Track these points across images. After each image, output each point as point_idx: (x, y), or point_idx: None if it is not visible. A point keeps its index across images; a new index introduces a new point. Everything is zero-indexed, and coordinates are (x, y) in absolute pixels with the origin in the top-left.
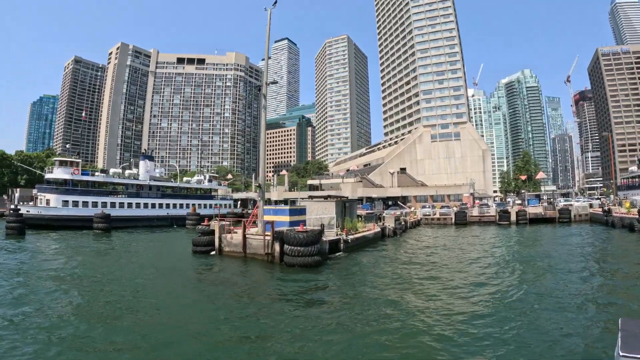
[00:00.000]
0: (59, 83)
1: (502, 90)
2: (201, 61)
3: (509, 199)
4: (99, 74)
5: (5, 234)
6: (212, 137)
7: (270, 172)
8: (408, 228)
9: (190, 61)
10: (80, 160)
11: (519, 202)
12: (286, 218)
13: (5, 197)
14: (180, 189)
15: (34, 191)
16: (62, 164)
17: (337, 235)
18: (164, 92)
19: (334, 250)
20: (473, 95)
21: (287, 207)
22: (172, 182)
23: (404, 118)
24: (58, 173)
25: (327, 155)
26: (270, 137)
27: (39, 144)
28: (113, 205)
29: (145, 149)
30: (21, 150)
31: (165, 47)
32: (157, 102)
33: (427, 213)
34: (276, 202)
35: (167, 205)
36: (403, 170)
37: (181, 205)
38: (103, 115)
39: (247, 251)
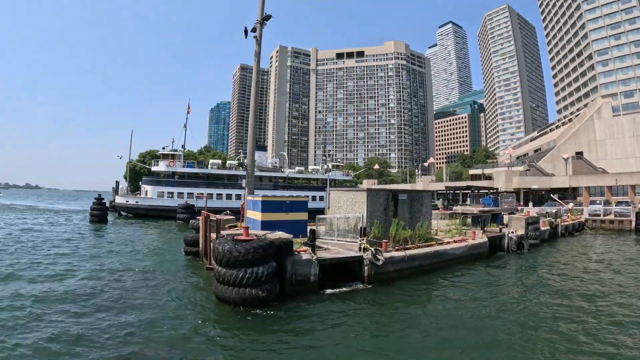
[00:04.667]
0: (230, 90)
1: None
2: (360, 54)
3: None
4: (264, 77)
5: (89, 220)
6: (378, 129)
7: (442, 162)
8: (559, 235)
9: (350, 55)
10: (182, 153)
11: None
12: (257, 216)
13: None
14: (289, 180)
15: (141, 183)
16: (165, 157)
17: (360, 249)
18: (326, 87)
19: (355, 276)
20: None
21: (260, 199)
22: (281, 172)
23: (577, 89)
24: (160, 166)
25: (497, 141)
26: (441, 126)
27: (218, 145)
28: (210, 196)
29: (258, 141)
30: (174, 149)
31: (324, 44)
32: (321, 98)
33: (596, 212)
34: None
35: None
36: (579, 154)
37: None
38: (270, 115)
39: (211, 262)
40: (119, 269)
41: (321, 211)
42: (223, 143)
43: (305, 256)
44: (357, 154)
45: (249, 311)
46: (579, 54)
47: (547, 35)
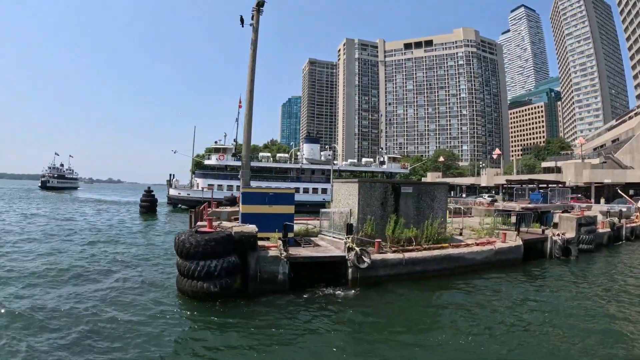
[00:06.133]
0: (300, 85)
1: None
2: (429, 43)
3: None
4: (333, 70)
5: (139, 211)
6: (449, 120)
7: (518, 154)
8: (623, 238)
9: (418, 45)
10: (231, 147)
11: None
12: (240, 208)
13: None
14: (341, 172)
15: (193, 176)
16: (216, 151)
17: (345, 249)
18: (395, 79)
19: (341, 278)
20: None
21: (241, 190)
22: (334, 165)
23: None
24: (212, 160)
25: (575, 131)
26: (516, 117)
27: (291, 139)
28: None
29: (309, 132)
30: (240, 143)
31: (391, 35)
32: (391, 89)
33: None
34: (487, 190)
35: (324, 191)
36: None
37: None
38: (339, 108)
39: None
40: (115, 256)
41: None
42: (295, 137)
43: (272, 253)
44: (428, 147)
45: (200, 304)
46: None
47: (621, 12)
